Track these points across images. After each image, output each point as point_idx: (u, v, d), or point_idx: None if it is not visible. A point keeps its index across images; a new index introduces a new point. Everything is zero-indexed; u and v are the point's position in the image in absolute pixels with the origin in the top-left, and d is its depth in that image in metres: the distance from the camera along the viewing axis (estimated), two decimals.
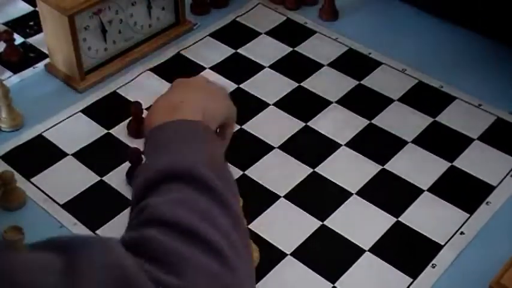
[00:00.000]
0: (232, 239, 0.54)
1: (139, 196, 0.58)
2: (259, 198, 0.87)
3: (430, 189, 0.93)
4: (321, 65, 1.14)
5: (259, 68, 1.14)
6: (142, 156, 0.87)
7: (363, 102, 1.07)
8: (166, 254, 0.50)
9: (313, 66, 1.14)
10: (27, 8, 1.26)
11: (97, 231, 0.88)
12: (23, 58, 1.15)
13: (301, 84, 1.11)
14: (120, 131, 1.02)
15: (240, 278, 0.53)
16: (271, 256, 0.85)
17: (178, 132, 0.63)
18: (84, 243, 0.49)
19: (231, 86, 1.10)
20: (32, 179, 0.94)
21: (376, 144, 1.00)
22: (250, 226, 0.86)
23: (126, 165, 0.95)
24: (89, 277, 0.46)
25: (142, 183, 0.59)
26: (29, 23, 1.22)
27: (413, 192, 0.93)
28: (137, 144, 0.96)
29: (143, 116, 0.99)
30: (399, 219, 0.89)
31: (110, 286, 0.46)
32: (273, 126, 1.03)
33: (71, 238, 0.50)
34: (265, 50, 1.17)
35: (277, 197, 0.92)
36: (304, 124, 1.03)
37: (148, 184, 0.58)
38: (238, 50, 1.18)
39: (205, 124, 0.65)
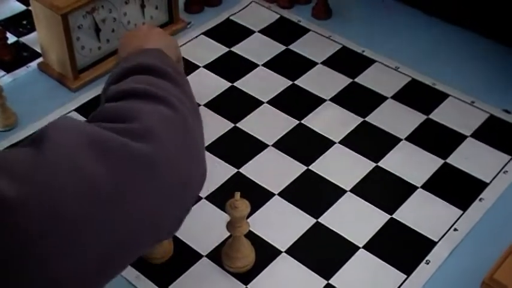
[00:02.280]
0: (179, 96, 0.62)
1: (106, 87, 0.68)
2: (253, 196, 0.87)
3: (423, 186, 0.94)
4: (315, 63, 1.14)
5: (252, 66, 1.14)
6: None
7: (357, 100, 1.08)
8: (118, 111, 0.57)
9: (307, 65, 1.14)
10: (20, 7, 1.26)
11: None
12: (16, 57, 1.15)
13: (295, 82, 1.11)
14: None
15: (192, 125, 0.60)
16: (265, 253, 0.85)
17: (148, 54, 0.71)
18: (49, 125, 0.55)
19: (224, 84, 1.10)
20: None
21: (369, 141, 1.01)
22: None
23: None
24: (54, 141, 0.52)
25: (110, 79, 0.68)
26: (22, 22, 1.22)
27: (407, 189, 0.93)
28: None
29: None
30: (393, 216, 0.90)
31: (82, 145, 0.52)
32: (267, 124, 1.03)
33: (42, 128, 0.56)
34: (258, 48, 1.18)
35: (272, 194, 0.93)
36: (298, 122, 1.04)
37: (116, 77, 0.67)
38: (231, 49, 1.18)
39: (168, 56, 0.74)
